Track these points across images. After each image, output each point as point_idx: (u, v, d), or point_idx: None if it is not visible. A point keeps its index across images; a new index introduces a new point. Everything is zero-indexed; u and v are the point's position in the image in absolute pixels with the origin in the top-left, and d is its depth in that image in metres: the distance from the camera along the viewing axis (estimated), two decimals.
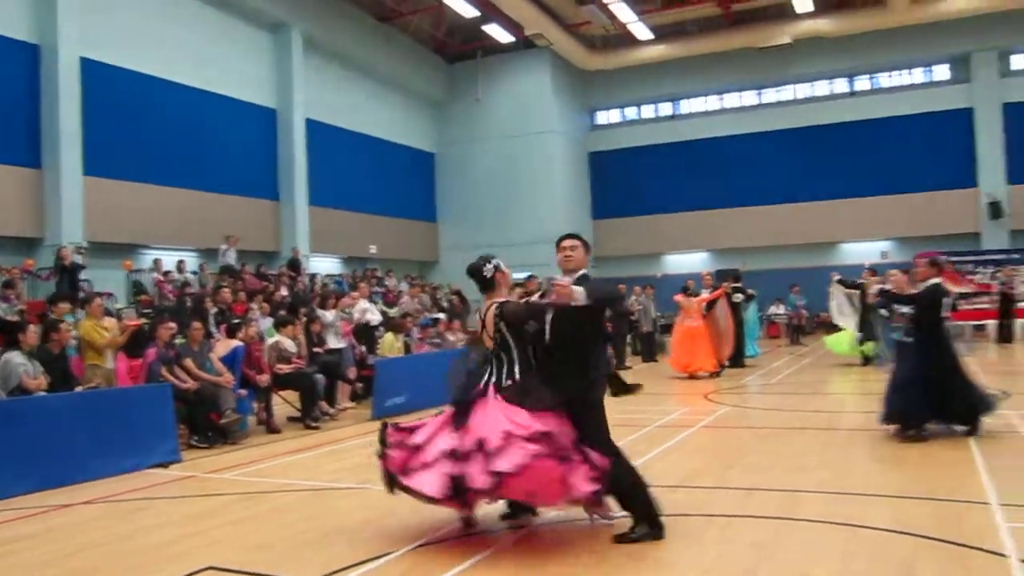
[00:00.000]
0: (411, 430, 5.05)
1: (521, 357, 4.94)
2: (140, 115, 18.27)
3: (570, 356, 4.87)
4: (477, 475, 4.55)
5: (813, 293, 21.99)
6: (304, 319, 12.32)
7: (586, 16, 26.54)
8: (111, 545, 5.31)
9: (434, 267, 29.65)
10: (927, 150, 26.48)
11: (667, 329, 18.33)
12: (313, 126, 23.17)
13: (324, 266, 23.80)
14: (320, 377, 10.99)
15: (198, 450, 8.87)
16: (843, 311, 16.39)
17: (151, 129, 18.51)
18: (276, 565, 4.66)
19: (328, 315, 12.60)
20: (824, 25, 26.01)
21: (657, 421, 9.16)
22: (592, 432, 4.82)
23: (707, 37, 27.56)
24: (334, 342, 12.44)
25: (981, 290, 23.06)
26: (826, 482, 6.24)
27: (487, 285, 5.17)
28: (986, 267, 23.74)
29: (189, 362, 9.48)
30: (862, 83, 28.15)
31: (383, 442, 5.06)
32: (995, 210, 25.53)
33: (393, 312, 17.01)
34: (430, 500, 4.80)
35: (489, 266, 5.15)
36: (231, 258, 18.71)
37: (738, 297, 16.76)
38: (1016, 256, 23.80)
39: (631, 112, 31.33)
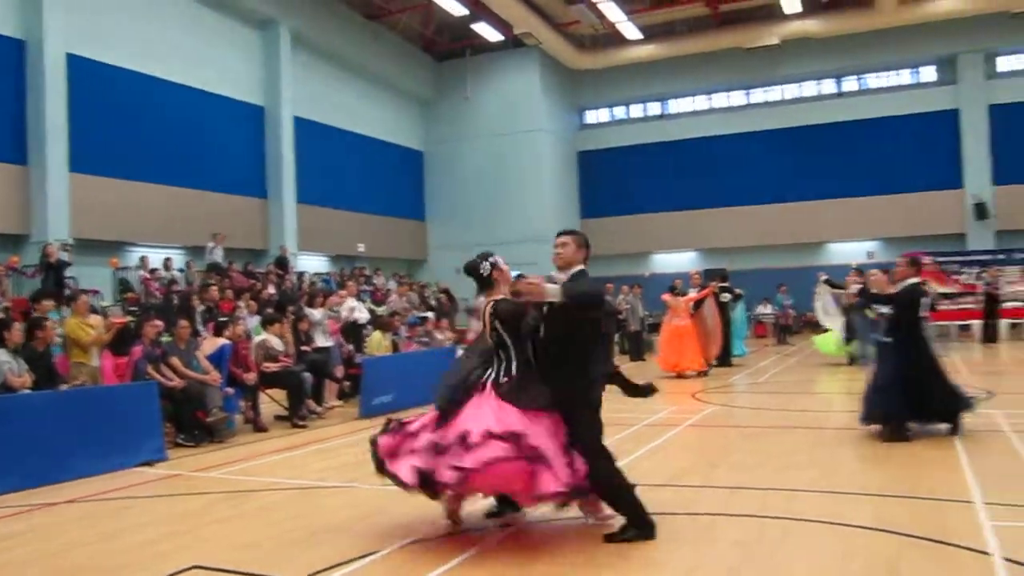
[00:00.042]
0: (411, 422, 5.09)
1: (519, 355, 4.93)
2: (127, 112, 18.17)
3: (566, 355, 4.85)
4: (443, 469, 4.61)
5: (800, 293, 22.08)
6: (292, 317, 12.29)
7: (575, 15, 26.55)
8: (96, 544, 5.28)
9: (422, 266, 29.63)
10: (914, 151, 26.64)
11: (655, 328, 18.36)
12: (301, 124, 23.10)
13: (312, 264, 23.74)
14: (307, 375, 10.96)
15: (184, 449, 8.83)
16: (828, 311, 16.49)
17: (138, 126, 18.41)
18: (263, 564, 4.65)
19: (316, 313, 12.58)
20: (812, 26, 26.12)
21: (644, 420, 9.17)
22: (583, 433, 4.82)
23: (695, 37, 27.63)
24: (322, 340, 12.42)
25: (966, 290, 23.20)
26: (812, 481, 6.27)
27: (484, 283, 5.16)
28: (971, 267, 23.89)
29: (175, 360, 9.44)
30: (850, 84, 28.29)
31: (383, 430, 5.12)
32: (981, 211, 25.71)
33: (381, 311, 16.99)
34: (405, 487, 4.84)
35: (486, 264, 5.15)
36: (218, 256, 18.64)
37: (725, 296, 16.83)
38: (1001, 257, 23.97)
39: (620, 111, 31.39)
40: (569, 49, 28.30)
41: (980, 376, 13.24)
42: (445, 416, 4.85)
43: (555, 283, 4.85)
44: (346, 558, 4.67)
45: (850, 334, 15.52)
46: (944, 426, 7.89)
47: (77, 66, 17.03)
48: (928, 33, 25.93)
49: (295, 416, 10.49)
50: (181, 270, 18.24)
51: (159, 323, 9.79)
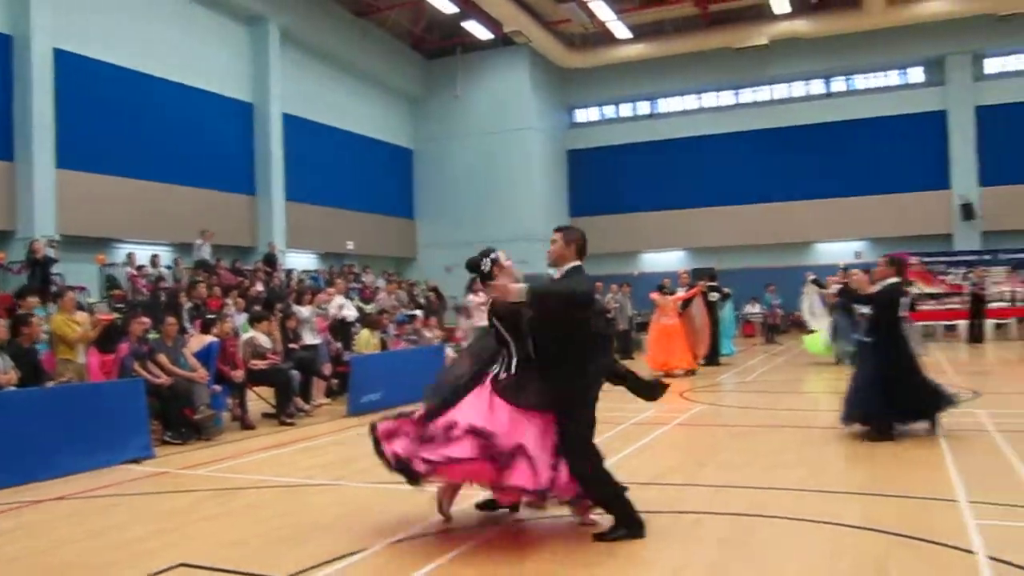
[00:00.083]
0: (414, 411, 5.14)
1: (519, 352, 4.95)
2: (114, 108, 18.07)
3: (565, 354, 4.84)
4: (417, 459, 4.72)
5: (788, 292, 22.17)
6: (279, 315, 12.26)
7: (565, 14, 26.56)
8: (83, 542, 5.26)
9: (411, 264, 29.60)
10: (901, 152, 26.79)
11: (643, 327, 18.41)
12: (290, 121, 23.03)
13: (300, 262, 23.68)
14: (295, 373, 10.94)
15: (171, 446, 8.79)
16: (815, 312, 16.58)
17: (125, 122, 18.31)
18: (250, 562, 4.64)
19: (304, 311, 12.55)
20: (801, 26, 26.21)
21: (632, 419, 9.18)
22: (575, 433, 4.80)
23: (685, 37, 27.69)
24: (309, 338, 12.39)
25: (953, 290, 23.39)
26: (799, 480, 6.30)
27: (485, 279, 5.17)
28: (958, 268, 24.07)
29: (162, 357, 9.40)
30: (838, 84, 28.41)
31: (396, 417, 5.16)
32: (967, 212, 25.88)
33: (370, 308, 16.98)
34: (390, 468, 4.90)
35: (487, 260, 5.16)
36: (206, 253, 18.57)
37: (714, 296, 16.89)
38: (987, 257, 24.14)
39: (609, 110, 31.43)
40: (559, 48, 28.31)
41: (966, 376, 13.33)
42: (432, 415, 4.87)
43: (495, 285, 4.89)
44: (334, 556, 4.66)
45: (836, 334, 15.60)
46: (923, 425, 7.92)
47: (64, 62, 16.93)
48: (916, 35, 26.08)
49: (283, 414, 10.46)
50: (169, 267, 18.17)
51: (146, 320, 9.74)
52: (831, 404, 10.58)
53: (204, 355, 9.83)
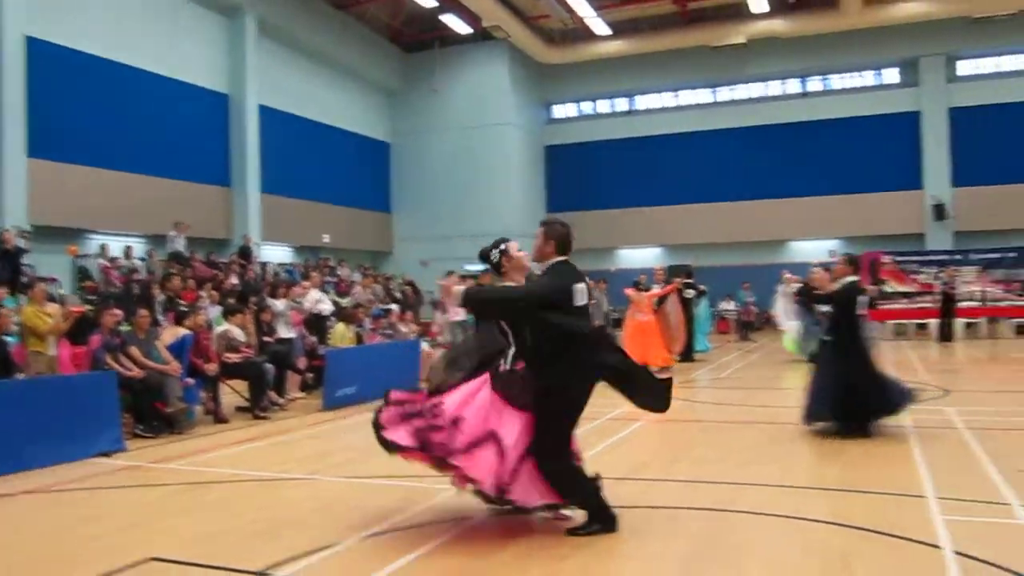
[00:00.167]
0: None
1: (517, 347, 4.95)
2: (88, 96, 17.83)
3: (537, 352, 4.84)
4: (391, 434, 4.78)
5: (762, 290, 22.34)
6: (254, 308, 12.20)
7: (544, 9, 26.55)
8: (51, 535, 5.21)
9: (388, 257, 29.50)
10: (876, 151, 27.03)
11: (619, 323, 18.47)
12: (266, 112, 22.85)
13: (276, 255, 23.53)
14: (269, 367, 10.87)
15: (143, 440, 8.72)
16: (788, 312, 16.69)
17: (99, 111, 18.09)
18: (222, 556, 4.61)
19: (279, 304, 12.49)
20: (778, 26, 26.37)
21: (608, 414, 9.22)
22: (544, 431, 4.80)
23: (663, 34, 27.75)
24: (284, 332, 12.34)
25: (924, 289, 23.68)
26: (771, 475, 6.36)
27: (496, 270, 5.17)
28: (930, 267, 24.36)
29: (135, 350, 9.31)
30: (814, 84, 28.60)
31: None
32: (939, 212, 26.17)
33: (345, 302, 16.90)
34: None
35: (495, 251, 5.15)
36: (180, 245, 18.39)
37: (690, 293, 16.97)
38: (958, 257, 24.45)
39: (587, 107, 31.45)
40: (538, 43, 28.29)
41: (936, 374, 13.51)
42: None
43: (443, 284, 4.94)
44: (308, 550, 4.65)
45: (807, 333, 15.73)
46: (889, 422, 7.98)
47: (36, 49, 16.67)
48: (891, 36, 26.32)
49: (256, 408, 10.41)
50: (142, 259, 17.98)
51: (118, 312, 9.65)
52: (803, 401, 10.69)
53: (177, 348, 9.75)
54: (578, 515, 4.96)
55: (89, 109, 17.83)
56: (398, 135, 29.86)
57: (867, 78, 28.01)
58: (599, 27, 27.26)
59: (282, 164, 23.32)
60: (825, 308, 8.39)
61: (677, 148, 29.17)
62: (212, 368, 10.15)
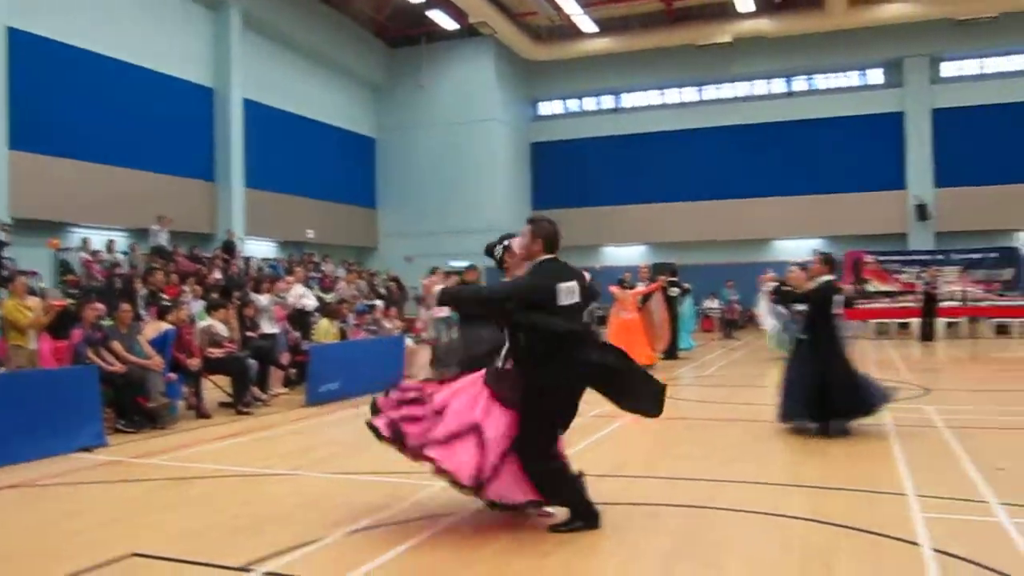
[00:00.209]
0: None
1: (511, 345, 4.95)
2: (71, 89, 17.71)
3: (524, 351, 4.83)
4: (378, 419, 4.84)
5: (746, 288, 22.41)
6: (237, 303, 12.14)
7: (531, 6, 26.57)
8: (31, 531, 5.18)
9: (372, 253, 29.44)
10: (859, 152, 27.22)
11: (603, 321, 18.49)
12: (251, 106, 22.74)
13: (259, 249, 23.43)
14: (252, 362, 10.82)
15: (125, 435, 8.67)
16: (770, 311, 16.74)
17: (82, 104, 17.96)
18: (204, 551, 4.59)
19: (262, 299, 12.44)
20: (764, 25, 26.49)
21: (591, 411, 9.21)
22: (529, 429, 4.79)
23: (650, 32, 27.83)
24: (268, 327, 12.29)
25: (906, 289, 23.87)
26: (751, 472, 6.39)
27: (498, 266, 5.17)
28: (912, 267, 24.58)
29: (117, 344, 9.25)
30: (799, 84, 28.76)
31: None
32: (922, 212, 26.40)
33: (329, 298, 16.84)
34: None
35: (499, 247, 5.14)
36: (163, 239, 18.29)
37: (674, 291, 17.03)
38: (940, 257, 24.68)
39: (573, 104, 31.49)
40: (524, 40, 28.29)
41: (917, 373, 13.62)
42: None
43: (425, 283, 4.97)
44: (291, 545, 4.64)
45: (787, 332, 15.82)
46: (866, 421, 8.03)
47: (18, 40, 16.53)
48: (876, 36, 26.50)
49: (239, 403, 10.37)
50: (125, 253, 17.88)
51: (100, 306, 9.60)
52: (777, 399, 10.77)
53: (160, 343, 9.70)
54: (561, 512, 4.97)
55: (72, 101, 17.70)
56: (384, 130, 29.79)
57: (852, 78, 28.20)
58: (586, 24, 27.29)
59: (266, 158, 23.24)
60: (801, 307, 8.42)
61: (663, 146, 29.25)
62: (195, 363, 10.10)
